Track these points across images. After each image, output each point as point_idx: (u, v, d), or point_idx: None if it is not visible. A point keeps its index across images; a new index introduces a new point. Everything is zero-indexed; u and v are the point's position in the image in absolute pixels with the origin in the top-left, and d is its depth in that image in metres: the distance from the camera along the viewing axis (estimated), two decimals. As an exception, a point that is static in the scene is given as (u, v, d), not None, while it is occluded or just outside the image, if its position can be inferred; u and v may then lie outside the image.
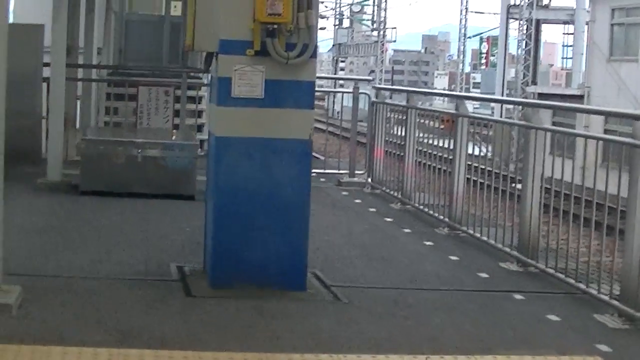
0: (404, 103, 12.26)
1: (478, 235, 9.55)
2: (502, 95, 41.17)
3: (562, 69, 48.54)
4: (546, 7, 42.18)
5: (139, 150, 10.81)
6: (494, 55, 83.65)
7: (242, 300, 6.61)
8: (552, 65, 74.94)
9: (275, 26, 6.61)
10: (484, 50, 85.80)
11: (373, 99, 13.30)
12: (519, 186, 8.97)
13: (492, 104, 42.62)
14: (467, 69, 65.65)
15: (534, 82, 40.31)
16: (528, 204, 8.47)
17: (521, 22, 39.66)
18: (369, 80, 16.39)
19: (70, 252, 7.89)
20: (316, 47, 6.80)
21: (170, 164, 10.80)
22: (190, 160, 10.89)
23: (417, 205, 11.39)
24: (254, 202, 6.83)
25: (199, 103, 15.82)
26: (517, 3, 41.77)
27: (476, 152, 11.01)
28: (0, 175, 6.02)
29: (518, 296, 7.43)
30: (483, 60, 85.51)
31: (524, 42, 39.56)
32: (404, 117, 11.99)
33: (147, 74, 14.87)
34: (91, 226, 9.17)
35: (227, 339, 5.79)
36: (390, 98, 14.45)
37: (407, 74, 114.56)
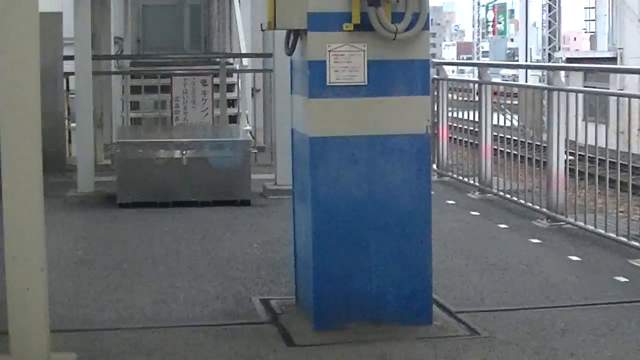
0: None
1: (591, 227, 8.13)
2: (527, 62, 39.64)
3: (585, 32, 46.94)
4: (567, -32, 40.60)
5: (184, 152, 9.35)
6: (500, 23, 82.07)
7: (361, 346, 5.15)
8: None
9: (379, -9, 5.15)
10: (490, 19, 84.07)
11: (434, 75, 11.82)
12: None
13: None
14: (472, 38, 64.01)
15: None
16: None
17: (546, -15, 37.99)
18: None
19: (124, 290, 6.40)
20: (428, 16, 5.32)
21: (221, 165, 9.34)
22: (243, 159, 9.42)
23: (500, 193, 9.96)
24: (363, 216, 5.36)
25: (231, 91, 14.34)
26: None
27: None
28: (38, 201, 4.58)
29: (681, 308, 6.00)
30: (490, 29, 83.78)
31: (548, 6, 37.80)
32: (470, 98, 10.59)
33: (178, 62, 13.40)
34: (141, 250, 7.68)
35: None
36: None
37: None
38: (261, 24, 5.74)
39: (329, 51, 5.21)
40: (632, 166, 8.02)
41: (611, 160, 8.43)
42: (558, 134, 8.65)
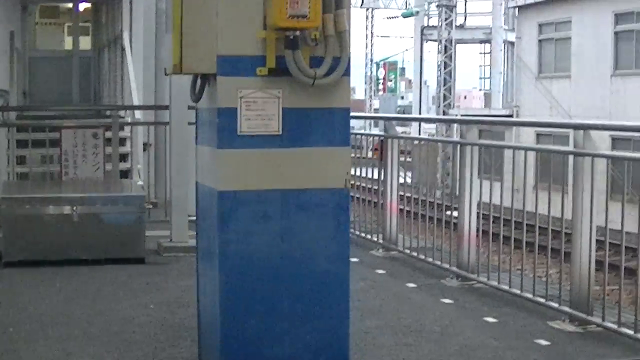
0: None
1: (505, 287, 7.83)
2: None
3: (479, 90, 47.46)
4: (462, 27, 40.87)
5: (74, 208, 8.81)
6: (390, 81, 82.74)
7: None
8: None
9: (298, 33, 4.75)
10: (381, 76, 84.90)
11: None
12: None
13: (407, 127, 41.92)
14: (365, 95, 64.40)
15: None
16: (581, 248, 6.83)
17: (440, 43, 38.04)
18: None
19: (11, 358, 5.83)
20: (349, 60, 4.95)
21: (114, 221, 8.82)
22: (137, 215, 8.93)
23: (406, 251, 9.62)
24: (275, 277, 4.94)
25: (123, 145, 13.77)
26: (431, 24, 40.80)
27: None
28: None
29: (608, 370, 5.72)
30: (380, 87, 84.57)
31: (443, 63, 37.94)
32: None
33: (67, 114, 12.79)
34: (28, 312, 7.08)
35: None
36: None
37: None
38: (165, 68, 5.26)
39: (241, 97, 4.80)
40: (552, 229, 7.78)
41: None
42: (471, 191, 8.37)
